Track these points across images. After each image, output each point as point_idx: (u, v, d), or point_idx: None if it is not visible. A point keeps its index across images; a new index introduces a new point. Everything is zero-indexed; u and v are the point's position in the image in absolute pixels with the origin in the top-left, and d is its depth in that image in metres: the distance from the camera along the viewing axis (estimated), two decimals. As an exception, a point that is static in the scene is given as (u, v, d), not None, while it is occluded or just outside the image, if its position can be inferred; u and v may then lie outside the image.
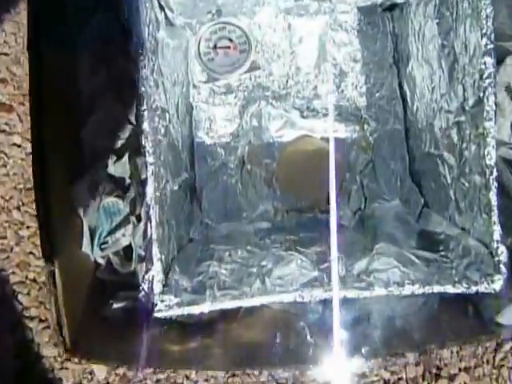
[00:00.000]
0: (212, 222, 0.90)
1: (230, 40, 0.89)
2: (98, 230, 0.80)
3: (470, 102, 0.70)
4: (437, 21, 0.75)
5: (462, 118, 0.72)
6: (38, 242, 0.80)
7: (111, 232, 0.81)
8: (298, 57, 0.91)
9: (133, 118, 0.82)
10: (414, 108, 0.87)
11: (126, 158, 0.82)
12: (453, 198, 0.76)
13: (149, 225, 0.69)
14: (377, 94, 0.92)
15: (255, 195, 0.91)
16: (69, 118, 0.85)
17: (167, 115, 0.77)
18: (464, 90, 0.71)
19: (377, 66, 0.92)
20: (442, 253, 0.72)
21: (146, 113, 0.69)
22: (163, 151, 0.74)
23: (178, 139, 0.82)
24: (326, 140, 0.91)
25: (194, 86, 0.90)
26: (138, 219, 0.80)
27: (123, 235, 0.81)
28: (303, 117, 0.91)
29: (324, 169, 0.88)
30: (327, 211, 0.88)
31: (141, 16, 0.72)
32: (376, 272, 0.69)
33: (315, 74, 0.92)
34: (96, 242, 0.80)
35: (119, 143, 0.84)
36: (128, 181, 0.82)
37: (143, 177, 0.71)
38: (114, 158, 0.82)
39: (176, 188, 0.79)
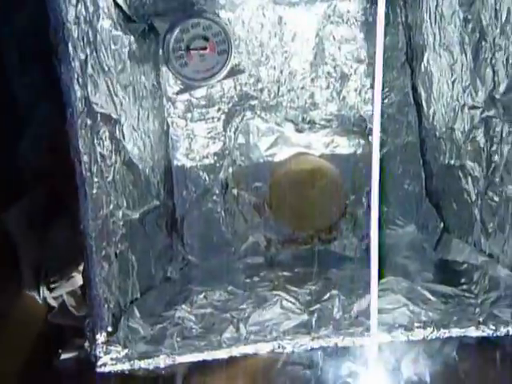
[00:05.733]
0: (195, 257, 0.76)
1: (206, 39, 0.76)
2: (43, 267, 0.67)
3: (502, 87, 0.57)
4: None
5: (491, 112, 0.60)
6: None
7: (61, 268, 0.67)
8: (290, 58, 0.77)
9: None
10: (431, 112, 0.73)
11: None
12: (478, 217, 0.64)
13: (88, 261, 0.56)
14: (385, 101, 0.77)
15: (244, 225, 0.77)
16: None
17: (117, 127, 0.62)
18: (494, 73, 0.58)
19: (385, 66, 0.76)
20: (464, 286, 0.62)
21: (76, 119, 0.54)
22: (113, 173, 0.60)
23: (148, 160, 0.69)
24: (326, 157, 0.77)
25: (169, 99, 0.77)
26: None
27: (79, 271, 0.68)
28: (298, 130, 0.77)
29: (325, 191, 0.76)
30: (329, 242, 0.76)
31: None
32: (379, 313, 0.57)
33: (311, 79, 0.78)
34: (42, 280, 0.67)
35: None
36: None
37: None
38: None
39: (136, 217, 0.65)
